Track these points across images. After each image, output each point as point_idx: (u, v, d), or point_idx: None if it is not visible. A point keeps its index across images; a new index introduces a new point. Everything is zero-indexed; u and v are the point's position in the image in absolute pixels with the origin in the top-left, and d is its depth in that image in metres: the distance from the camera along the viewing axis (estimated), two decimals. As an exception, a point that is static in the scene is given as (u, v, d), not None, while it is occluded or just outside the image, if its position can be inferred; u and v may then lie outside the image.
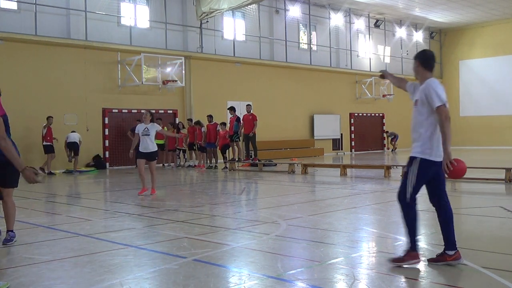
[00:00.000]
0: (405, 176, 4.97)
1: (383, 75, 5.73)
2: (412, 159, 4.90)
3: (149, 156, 10.89)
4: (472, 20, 32.03)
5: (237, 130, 18.73)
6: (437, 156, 4.81)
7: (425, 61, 5.02)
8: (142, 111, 11.26)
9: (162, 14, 21.76)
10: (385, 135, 30.71)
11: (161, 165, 20.60)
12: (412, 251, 4.87)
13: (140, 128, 10.97)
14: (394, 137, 29.23)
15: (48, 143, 17.33)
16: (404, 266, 4.84)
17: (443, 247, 4.89)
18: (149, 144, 10.81)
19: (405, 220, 4.97)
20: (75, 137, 17.92)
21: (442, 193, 4.94)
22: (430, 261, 4.92)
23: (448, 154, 4.68)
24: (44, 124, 17.35)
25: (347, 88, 29.63)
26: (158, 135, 20.22)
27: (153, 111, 20.96)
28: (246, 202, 10.50)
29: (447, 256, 4.81)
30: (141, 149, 10.88)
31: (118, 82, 20.41)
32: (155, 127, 11.01)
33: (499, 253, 5.54)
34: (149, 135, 10.82)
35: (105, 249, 5.91)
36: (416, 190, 4.87)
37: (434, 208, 5.01)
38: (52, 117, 17.50)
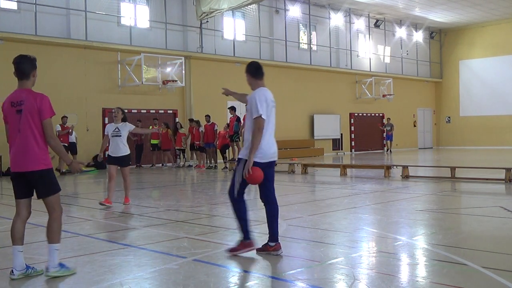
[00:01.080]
0: (233, 175, 5.36)
1: (226, 92, 6.28)
2: (239, 160, 5.33)
3: (121, 161, 9.37)
4: (472, 20, 32.03)
5: (237, 130, 18.74)
6: (262, 158, 5.23)
7: (254, 72, 5.54)
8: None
9: (162, 14, 21.75)
10: (384, 121, 29.71)
11: (160, 165, 20.64)
12: (246, 240, 5.32)
13: (109, 128, 9.46)
14: (391, 128, 28.58)
15: (62, 143, 17.42)
16: (240, 254, 5.27)
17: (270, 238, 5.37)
18: (120, 147, 9.32)
19: (236, 214, 5.38)
20: (72, 137, 18.01)
21: (269, 192, 5.38)
22: (258, 250, 5.39)
23: (250, 161, 5.12)
24: (58, 124, 17.49)
25: (347, 88, 29.63)
26: (153, 135, 20.39)
27: (153, 111, 21.32)
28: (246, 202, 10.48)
29: (269, 246, 5.34)
30: (110, 152, 9.40)
31: (118, 82, 20.41)
32: (127, 127, 9.45)
33: (499, 253, 5.53)
34: (120, 136, 9.32)
35: (105, 249, 5.92)
36: (242, 187, 5.30)
37: (263, 203, 5.45)
38: (66, 117, 17.71)
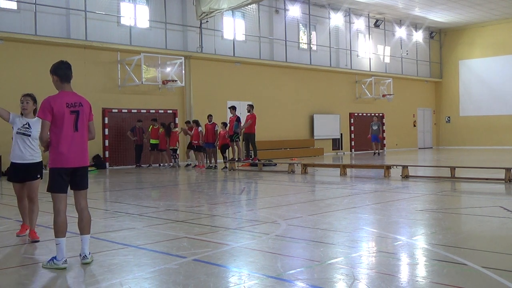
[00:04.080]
0: None
1: None
2: None
3: (28, 173, 6.44)
4: (472, 20, 32.03)
5: (237, 130, 18.73)
6: None
7: None
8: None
9: (162, 14, 21.75)
10: (374, 124, 26.20)
11: (157, 165, 20.62)
12: None
13: (17, 123, 6.42)
14: (378, 128, 25.94)
15: None
16: None
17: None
18: (27, 151, 6.38)
19: None
20: None
21: None
22: None
23: None
24: None
25: (347, 88, 29.63)
26: (152, 134, 20.40)
27: (153, 111, 21.31)
28: (246, 202, 10.49)
29: None
30: (15, 158, 6.44)
31: (118, 82, 20.40)
32: (39, 125, 5.70)
33: (499, 253, 5.53)
34: (29, 135, 6.39)
35: (105, 249, 5.91)
36: None
37: None
38: None
